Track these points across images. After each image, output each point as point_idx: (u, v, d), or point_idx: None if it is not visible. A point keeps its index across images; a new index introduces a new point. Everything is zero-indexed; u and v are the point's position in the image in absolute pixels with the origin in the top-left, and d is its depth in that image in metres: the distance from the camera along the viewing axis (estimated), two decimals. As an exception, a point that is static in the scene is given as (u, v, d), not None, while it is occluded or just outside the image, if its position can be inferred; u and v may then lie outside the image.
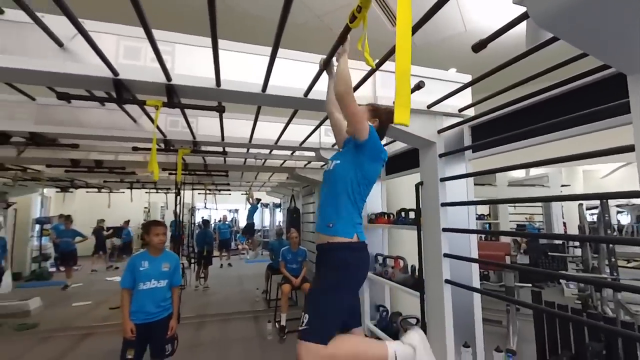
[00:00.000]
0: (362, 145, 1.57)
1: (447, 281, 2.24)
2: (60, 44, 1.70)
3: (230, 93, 1.97)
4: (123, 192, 8.23)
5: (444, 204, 2.27)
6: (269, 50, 1.83)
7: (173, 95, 1.93)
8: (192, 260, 7.11)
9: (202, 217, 11.21)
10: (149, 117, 2.63)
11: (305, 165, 4.81)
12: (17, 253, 7.79)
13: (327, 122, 2.95)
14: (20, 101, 2.79)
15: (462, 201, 2.28)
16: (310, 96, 2.02)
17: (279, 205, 13.13)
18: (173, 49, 1.86)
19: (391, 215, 3.32)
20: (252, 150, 3.87)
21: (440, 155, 2.31)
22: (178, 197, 3.56)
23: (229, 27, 3.53)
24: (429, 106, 2.29)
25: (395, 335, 3.00)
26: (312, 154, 3.98)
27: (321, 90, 2.03)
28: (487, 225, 8.68)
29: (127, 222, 10.89)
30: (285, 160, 4.52)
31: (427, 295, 2.42)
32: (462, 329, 2.32)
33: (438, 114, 2.37)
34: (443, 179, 2.28)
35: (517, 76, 1.92)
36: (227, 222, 11.06)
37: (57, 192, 8.67)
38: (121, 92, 1.85)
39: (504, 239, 6.28)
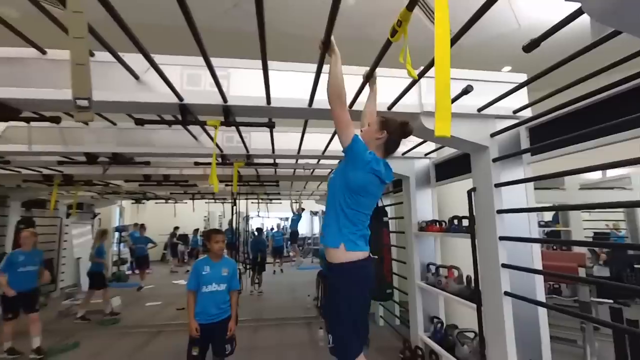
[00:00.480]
0: (345, 152, 1.58)
1: (506, 293, 2.10)
2: (136, 77, 1.98)
3: (279, 110, 2.11)
4: (186, 203, 8.99)
5: (500, 211, 2.15)
6: (313, 67, 1.93)
7: (229, 114, 2.12)
8: (247, 267, 7.48)
9: (255, 226, 11.78)
10: (208, 135, 2.88)
11: (353, 173, 4.84)
12: (101, 257, 8.89)
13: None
14: (105, 127, 3.26)
15: (521, 208, 2.14)
16: (354, 108, 2.08)
17: (328, 213, 13.26)
18: (228, 73, 2.05)
19: (443, 223, 3.21)
20: (300, 161, 4.02)
21: (494, 160, 2.20)
22: (234, 207, 3.83)
23: (272, 47, 3.76)
24: (480, 109, 2.20)
25: (451, 349, 2.87)
26: (359, 162, 4.02)
27: (364, 101, 2.08)
28: (555, 234, 7.83)
29: (196, 231, 11.76)
30: (332, 169, 4.60)
31: (485, 308, 2.29)
32: (527, 345, 2.15)
33: (490, 117, 2.26)
34: (498, 185, 2.17)
35: (579, 71, 1.77)
36: (280, 230, 11.47)
37: (132, 203, 9.78)
38: (185, 115, 2.08)
39: (578, 249, 5.62)
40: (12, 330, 3.89)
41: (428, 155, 3.61)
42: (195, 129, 3.15)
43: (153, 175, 4.67)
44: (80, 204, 5.62)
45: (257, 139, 3.40)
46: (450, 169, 3.31)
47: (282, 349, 4.13)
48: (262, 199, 7.83)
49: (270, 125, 2.34)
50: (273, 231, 11.57)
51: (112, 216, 9.60)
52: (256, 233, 8.36)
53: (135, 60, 1.95)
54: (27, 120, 2.40)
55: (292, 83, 2.07)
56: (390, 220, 4.19)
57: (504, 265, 2.11)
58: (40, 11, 1.53)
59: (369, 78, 1.83)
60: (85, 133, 3.24)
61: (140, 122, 2.20)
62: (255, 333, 4.73)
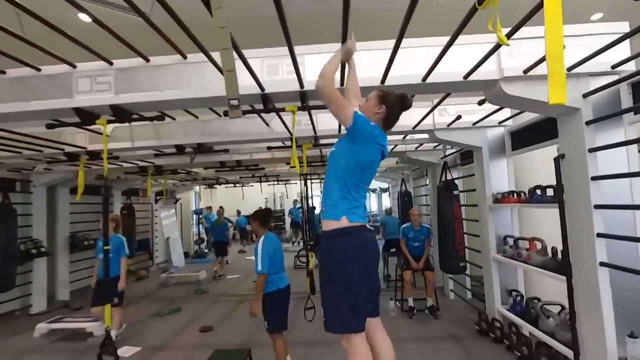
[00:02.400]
0: (349, 131, 1.56)
1: (602, 264, 1.99)
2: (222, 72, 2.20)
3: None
4: (252, 186, 9.64)
5: (595, 178, 2.00)
6: (386, 43, 1.96)
7: (305, 99, 2.26)
8: (311, 243, 7.86)
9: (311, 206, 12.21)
10: (281, 120, 3.07)
11: (417, 147, 4.76)
12: (184, 236, 10.07)
13: (443, 103, 2.91)
14: (189, 120, 3.65)
15: (623, 173, 1.97)
16: (429, 80, 2.07)
17: (386, 190, 13.16)
18: (303, 60, 2.16)
19: (522, 194, 3.05)
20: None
21: (588, 123, 2.03)
22: (305, 187, 4.06)
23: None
24: (570, 68, 2.02)
25: (534, 322, 2.80)
26: (425, 135, 3.94)
27: (441, 72, 2.05)
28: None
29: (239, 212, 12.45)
30: (395, 145, 4.57)
31: (576, 280, 2.19)
32: (625, 317, 2.03)
33: (582, 75, 2.07)
34: (593, 150, 2.01)
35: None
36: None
37: (205, 188, 10.78)
38: (267, 103, 2.26)
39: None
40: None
41: (503, 123, 3.41)
42: (267, 115, 3.38)
43: (227, 162, 5.11)
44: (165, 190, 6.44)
45: (324, 121, 3.52)
46: (529, 136, 3.09)
47: (355, 318, 4.38)
48: (323, 178, 8.06)
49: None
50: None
51: (190, 200, 10.73)
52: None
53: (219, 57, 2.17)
54: (130, 120, 2.77)
55: (364, 62, 2.12)
56: (460, 194, 4.08)
57: (599, 235, 1.99)
58: (151, 27, 1.78)
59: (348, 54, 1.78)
60: (174, 128, 3.67)
61: (226, 114, 2.44)
62: (327, 303, 5.06)
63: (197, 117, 3.59)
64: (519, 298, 3.17)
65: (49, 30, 1.79)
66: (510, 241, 3.25)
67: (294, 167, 2.84)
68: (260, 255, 2.55)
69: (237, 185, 9.35)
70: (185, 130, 3.64)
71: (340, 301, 1.48)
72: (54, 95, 2.31)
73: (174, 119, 3.61)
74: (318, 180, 7.67)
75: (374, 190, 14.06)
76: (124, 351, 3.60)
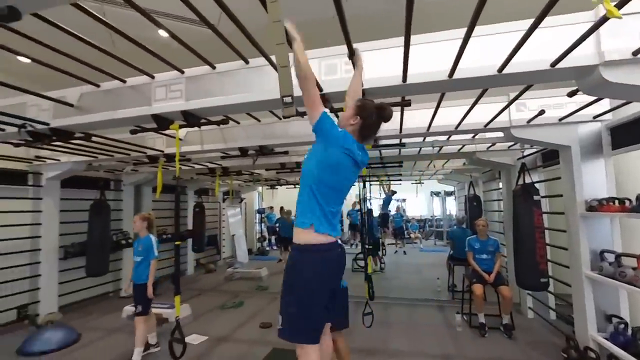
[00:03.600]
0: (314, 130, 1.51)
1: None
2: (282, 75, 2.22)
3: (415, 86, 2.03)
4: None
5: None
6: (456, 33, 1.77)
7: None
8: (370, 247, 7.70)
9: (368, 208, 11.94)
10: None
11: (489, 147, 4.32)
12: (248, 234, 10.64)
13: (522, 96, 2.57)
14: (251, 124, 3.80)
15: None
16: (506, 70, 1.82)
17: (451, 193, 12.32)
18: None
19: (625, 202, 2.54)
20: (428, 139, 3.81)
21: None
22: (363, 189, 3.96)
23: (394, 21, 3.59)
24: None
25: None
26: (498, 134, 3.55)
27: (520, 61, 1.79)
28: None
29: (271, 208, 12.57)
30: (463, 145, 4.20)
31: None
32: None
33: None
34: None
35: None
36: (399, 212, 11.34)
37: (267, 189, 11.27)
38: (325, 103, 2.22)
39: None
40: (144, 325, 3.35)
41: (599, 118, 2.89)
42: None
43: (287, 163, 5.23)
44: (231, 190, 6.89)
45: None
46: (636, 131, 2.57)
47: (416, 328, 4.13)
48: (382, 180, 7.85)
49: (406, 104, 2.28)
50: (392, 213, 11.47)
51: (254, 200, 11.32)
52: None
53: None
54: (199, 124, 2.97)
55: (429, 56, 1.95)
56: (541, 199, 3.58)
57: None
58: (218, 37, 1.86)
59: (353, 56, 1.77)
60: (238, 131, 3.86)
61: (286, 116, 2.47)
62: (386, 310, 4.86)
63: (259, 121, 3.72)
64: (621, 326, 2.65)
65: (134, 46, 1.99)
66: (610, 257, 2.73)
67: None
68: None
69: (297, 186, 9.57)
70: (248, 133, 3.80)
71: (298, 313, 1.50)
72: (136, 103, 2.57)
73: (238, 122, 3.79)
74: (378, 183, 7.46)
75: (437, 194, 13.26)
76: (192, 338, 3.89)
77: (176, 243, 2.58)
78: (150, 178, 6.03)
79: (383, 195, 10.29)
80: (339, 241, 1.61)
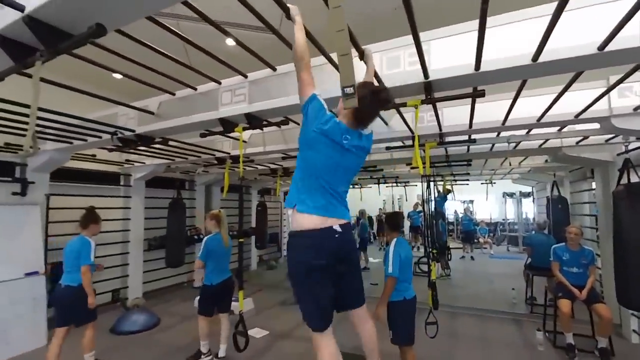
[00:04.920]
0: (301, 111, 1.57)
1: None
2: (342, 72, 2.16)
3: (490, 74, 1.81)
4: (370, 187, 9.60)
5: None
6: (541, 10, 1.54)
7: (430, 91, 2.00)
8: (435, 252, 7.26)
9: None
10: (401, 117, 2.87)
11: (579, 142, 3.74)
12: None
13: (628, 80, 2.15)
14: (311, 124, 3.82)
15: None
16: (610, 47, 1.51)
17: (528, 194, 11.06)
18: (429, 47, 1.91)
19: None
20: (503, 134, 3.43)
21: None
22: (429, 190, 3.70)
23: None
24: None
25: None
26: (592, 126, 3.03)
27: (629, 35, 1.47)
28: None
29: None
30: (546, 140, 3.70)
31: None
32: None
33: None
34: None
35: None
36: (466, 214, 10.55)
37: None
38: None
39: None
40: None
41: None
42: (386, 113, 3.22)
43: (346, 163, 5.18)
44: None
45: (451, 115, 3.13)
46: None
47: (488, 343, 3.75)
48: (447, 180, 7.34)
49: (479, 95, 2.05)
50: (461, 215, 10.71)
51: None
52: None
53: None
54: (261, 126, 3.05)
55: (508, 38, 1.72)
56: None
57: None
58: (281, 40, 1.89)
59: (363, 56, 1.79)
60: (297, 132, 3.90)
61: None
62: (452, 320, 4.52)
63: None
64: None
65: (203, 56, 2.13)
66: None
67: (415, 168, 2.60)
68: (391, 258, 2.50)
69: (355, 186, 9.46)
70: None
71: (306, 300, 1.55)
72: (205, 109, 2.75)
73: (298, 123, 3.84)
74: (442, 183, 7.00)
75: (510, 195, 12.01)
76: (255, 332, 4.05)
77: (240, 240, 2.70)
78: (219, 179, 6.48)
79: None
80: (339, 225, 1.54)
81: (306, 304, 1.55)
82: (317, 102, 1.53)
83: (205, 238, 3.31)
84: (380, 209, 13.03)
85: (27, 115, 2.84)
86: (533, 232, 5.71)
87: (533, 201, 10.26)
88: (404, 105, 2.19)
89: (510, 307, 4.99)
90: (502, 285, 6.30)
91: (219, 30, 1.82)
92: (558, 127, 3.22)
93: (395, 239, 2.61)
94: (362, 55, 1.82)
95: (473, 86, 2.08)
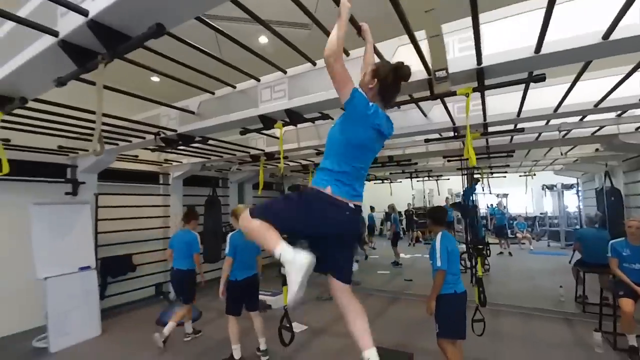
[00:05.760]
0: (345, 107, 1.49)
1: None
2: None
3: (553, 56, 1.68)
4: (400, 182, 9.41)
5: None
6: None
7: (482, 78, 1.89)
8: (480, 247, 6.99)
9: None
10: (445, 108, 2.75)
11: (638, 128, 3.44)
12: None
13: None
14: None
15: None
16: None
17: (570, 187, 10.40)
18: (481, 30, 1.81)
19: None
20: (553, 122, 3.22)
21: None
22: (471, 183, 3.56)
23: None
24: None
25: None
26: (657, 109, 2.77)
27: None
28: None
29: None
30: (601, 127, 3.43)
31: None
32: None
33: None
34: None
35: None
36: (500, 208, 10.10)
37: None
38: (433, 88, 2.02)
39: None
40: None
41: None
42: (425, 104, 3.11)
43: (379, 157, 5.08)
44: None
45: (496, 104, 2.97)
46: None
47: (537, 343, 3.56)
48: (484, 172, 7.02)
49: (539, 79, 1.92)
50: (494, 208, 10.25)
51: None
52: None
53: (381, 47, 2.08)
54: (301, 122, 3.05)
55: (576, 14, 1.58)
56: None
57: None
58: (318, 27, 1.86)
59: (360, 32, 1.73)
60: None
61: (393, 105, 2.35)
62: (495, 318, 4.33)
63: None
64: None
65: (239, 55, 2.14)
66: None
67: (452, 160, 2.49)
68: (439, 251, 2.50)
69: (385, 181, 9.31)
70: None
71: (271, 207, 1.55)
72: (244, 106, 2.78)
73: (332, 118, 3.80)
74: (484, 176, 6.69)
75: (551, 188, 11.34)
76: (294, 326, 4.07)
77: (283, 236, 2.70)
78: (251, 176, 6.58)
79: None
80: (354, 205, 1.53)
81: (272, 208, 1.54)
82: (361, 96, 1.48)
83: (230, 234, 3.29)
84: (409, 203, 12.77)
85: (77, 119, 3.02)
86: (581, 226, 5.36)
87: (577, 194, 9.64)
88: (451, 94, 2.08)
89: (558, 305, 4.71)
90: (545, 282, 5.98)
91: (267, 28, 1.83)
92: (617, 113, 2.98)
93: (440, 233, 2.61)
94: (360, 31, 1.76)
95: (529, 71, 1.95)
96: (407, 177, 8.06)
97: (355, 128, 1.50)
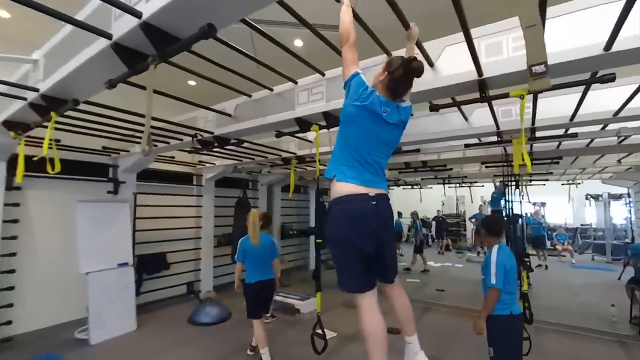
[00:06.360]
0: (344, 87, 1.62)
1: None
2: (431, 64, 2.00)
3: (624, 54, 1.52)
4: (431, 188, 9.12)
5: None
6: None
7: (540, 78, 1.75)
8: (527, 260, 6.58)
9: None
10: (492, 111, 2.60)
11: None
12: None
13: None
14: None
15: None
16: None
17: (619, 197, 9.63)
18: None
19: None
20: (611, 126, 2.96)
21: None
22: (517, 191, 3.34)
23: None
24: None
25: None
26: None
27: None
28: None
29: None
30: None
31: None
32: None
33: None
34: None
35: None
36: (536, 218, 9.51)
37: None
38: (484, 91, 1.90)
39: None
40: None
41: None
42: (467, 108, 2.97)
43: (412, 162, 4.93)
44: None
45: (547, 107, 2.77)
46: None
47: (588, 368, 3.27)
48: (523, 180, 6.63)
49: (608, 79, 1.75)
50: (530, 217, 9.65)
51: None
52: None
53: (429, 47, 1.99)
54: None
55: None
56: None
57: None
58: (362, 27, 1.80)
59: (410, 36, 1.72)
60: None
61: (435, 109, 2.25)
62: (537, 335, 4.03)
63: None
64: None
65: (275, 58, 2.13)
66: None
67: (491, 167, 2.31)
68: (494, 267, 2.23)
69: (415, 187, 9.06)
70: (377, 132, 3.70)
71: (341, 263, 1.58)
72: (281, 109, 2.77)
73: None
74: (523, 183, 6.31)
75: (596, 198, 10.56)
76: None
77: (317, 241, 2.66)
78: (281, 179, 6.62)
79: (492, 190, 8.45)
80: (375, 194, 1.56)
81: (343, 266, 1.59)
82: (359, 78, 1.59)
83: (240, 239, 3.29)
84: (439, 210, 12.35)
85: (120, 120, 3.14)
86: (632, 240, 4.91)
87: (628, 204, 8.90)
88: (503, 96, 1.95)
89: (610, 326, 4.32)
90: (591, 298, 5.54)
91: (312, 31, 1.83)
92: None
93: (497, 246, 2.33)
94: (407, 28, 1.71)
95: (593, 70, 1.79)
96: (438, 183, 7.78)
97: (347, 106, 1.60)
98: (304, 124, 2.70)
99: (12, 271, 3.73)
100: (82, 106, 2.62)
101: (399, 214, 11.30)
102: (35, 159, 2.36)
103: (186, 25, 1.34)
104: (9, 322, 3.68)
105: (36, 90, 2.17)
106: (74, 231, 3.89)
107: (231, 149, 4.30)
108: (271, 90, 2.82)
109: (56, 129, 3.27)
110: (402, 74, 1.56)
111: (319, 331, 2.62)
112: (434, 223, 12.45)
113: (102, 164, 4.61)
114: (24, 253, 3.86)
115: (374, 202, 1.54)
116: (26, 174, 2.87)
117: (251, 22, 1.74)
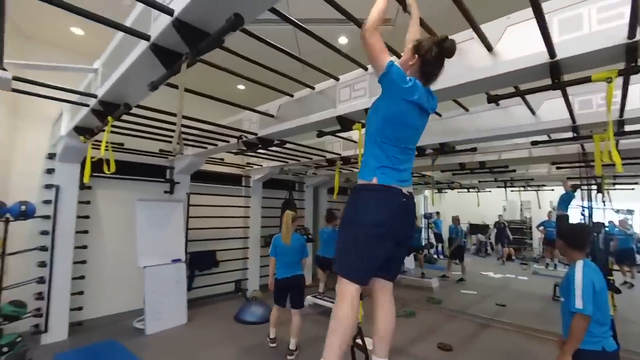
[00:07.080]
0: (380, 83, 1.43)
1: None
2: (490, 48, 1.74)
3: None
4: (490, 192, 8.36)
5: None
6: None
7: (635, 55, 1.41)
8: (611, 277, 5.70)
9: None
10: (566, 100, 2.21)
11: None
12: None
13: None
14: (431, 119, 3.38)
15: None
16: None
17: None
18: (637, -9, 1.35)
19: None
20: None
21: None
22: (600, 195, 2.84)
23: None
24: None
25: None
26: None
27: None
28: None
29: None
30: None
31: None
32: None
33: None
34: None
35: None
36: (623, 228, 8.16)
37: (435, 192, 10.43)
38: (557, 75, 1.59)
39: None
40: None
41: None
42: (534, 99, 2.58)
43: (468, 163, 4.51)
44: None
45: (637, 93, 2.29)
46: None
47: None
48: (605, 182, 5.72)
49: None
50: (615, 227, 8.32)
51: (419, 204, 10.76)
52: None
53: (488, 28, 1.74)
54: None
55: None
56: None
57: None
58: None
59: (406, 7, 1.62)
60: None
61: (494, 100, 1.97)
62: (625, 370, 3.39)
63: (439, 115, 3.29)
64: None
65: (317, 59, 2.03)
66: None
67: (562, 168, 1.92)
68: (580, 287, 1.78)
69: (471, 190, 8.37)
70: (427, 130, 3.41)
71: (349, 248, 1.45)
72: (322, 107, 2.67)
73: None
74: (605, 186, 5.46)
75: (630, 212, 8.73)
76: (367, 343, 3.82)
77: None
78: (326, 180, 6.54)
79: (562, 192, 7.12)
80: (407, 191, 1.49)
81: (357, 251, 1.42)
82: (396, 68, 1.39)
83: (274, 236, 3.65)
84: (500, 215, 11.30)
85: (174, 124, 3.30)
86: None
87: None
88: (583, 81, 1.62)
89: None
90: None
91: (358, 26, 1.70)
92: None
93: (581, 262, 1.87)
94: (405, 5, 1.64)
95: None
96: (498, 187, 7.07)
97: (392, 104, 1.43)
98: (345, 122, 2.57)
99: (83, 262, 4.14)
100: (141, 111, 2.82)
101: (437, 214, 10.74)
102: (94, 160, 2.55)
103: (214, 18, 1.30)
104: (80, 308, 4.09)
105: (95, 96, 2.34)
106: (135, 227, 4.20)
107: (277, 150, 4.33)
108: (312, 88, 2.73)
109: (119, 133, 3.56)
110: (436, 56, 1.45)
111: (359, 341, 2.44)
112: (493, 230, 11.43)
113: (160, 166, 4.95)
114: (93, 246, 4.27)
115: (404, 200, 1.48)
116: (94, 175, 3.14)
117: (297, 21, 1.67)
